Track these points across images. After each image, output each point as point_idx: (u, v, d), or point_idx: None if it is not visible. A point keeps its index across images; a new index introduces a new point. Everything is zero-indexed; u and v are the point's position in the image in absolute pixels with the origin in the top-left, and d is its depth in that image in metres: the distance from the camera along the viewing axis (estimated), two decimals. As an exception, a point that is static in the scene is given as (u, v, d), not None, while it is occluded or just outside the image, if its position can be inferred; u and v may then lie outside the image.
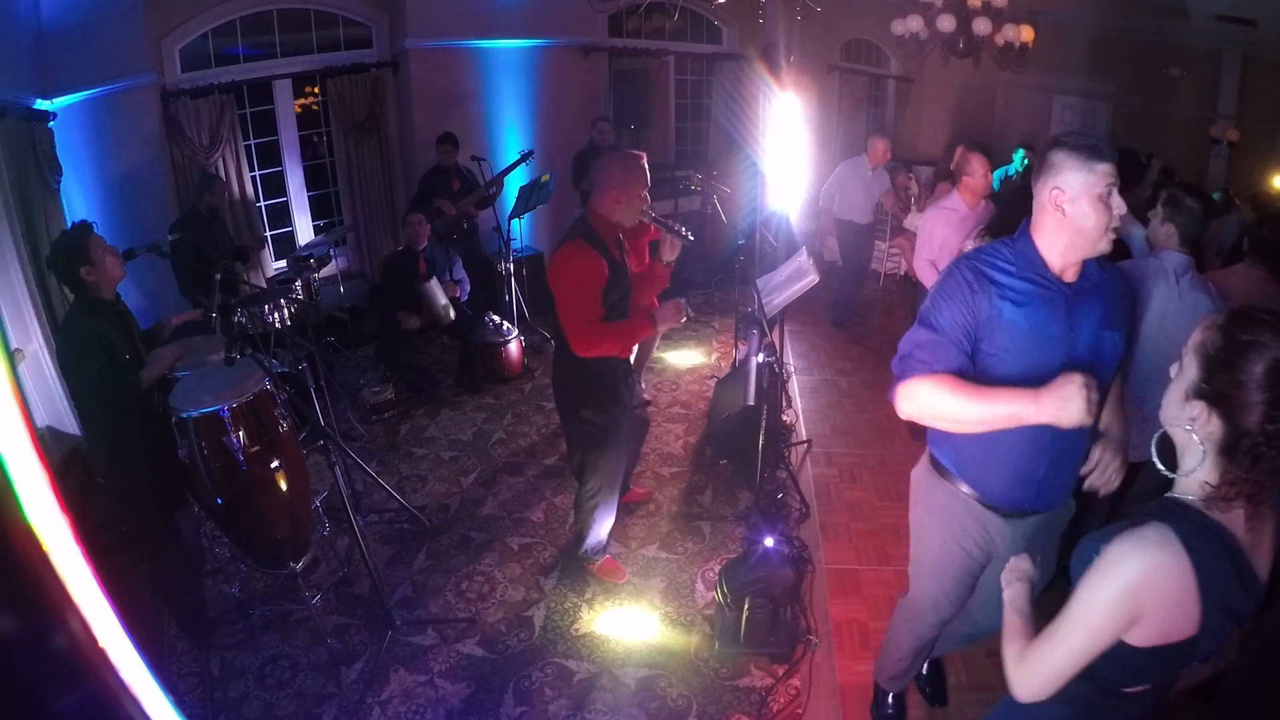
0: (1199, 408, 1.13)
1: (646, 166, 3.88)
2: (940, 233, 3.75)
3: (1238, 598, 1.15)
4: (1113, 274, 1.78)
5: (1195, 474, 1.16)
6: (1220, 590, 1.13)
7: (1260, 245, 2.63)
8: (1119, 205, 1.59)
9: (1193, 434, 1.15)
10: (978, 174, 3.75)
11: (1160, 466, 1.20)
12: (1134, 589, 1.12)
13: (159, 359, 2.66)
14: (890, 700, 2.48)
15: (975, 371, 1.69)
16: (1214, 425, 1.12)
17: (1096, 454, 1.79)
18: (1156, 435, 1.22)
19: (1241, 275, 2.64)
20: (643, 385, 4.75)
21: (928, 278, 3.77)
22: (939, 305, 1.70)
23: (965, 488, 1.86)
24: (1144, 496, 2.63)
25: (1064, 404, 1.43)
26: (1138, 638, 1.15)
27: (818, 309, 6.04)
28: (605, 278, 2.62)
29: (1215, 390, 1.11)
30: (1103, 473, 1.78)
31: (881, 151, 5.63)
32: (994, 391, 1.58)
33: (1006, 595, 1.40)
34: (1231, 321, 1.12)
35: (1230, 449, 1.11)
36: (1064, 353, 1.68)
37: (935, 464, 1.93)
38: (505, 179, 5.58)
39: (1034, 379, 1.61)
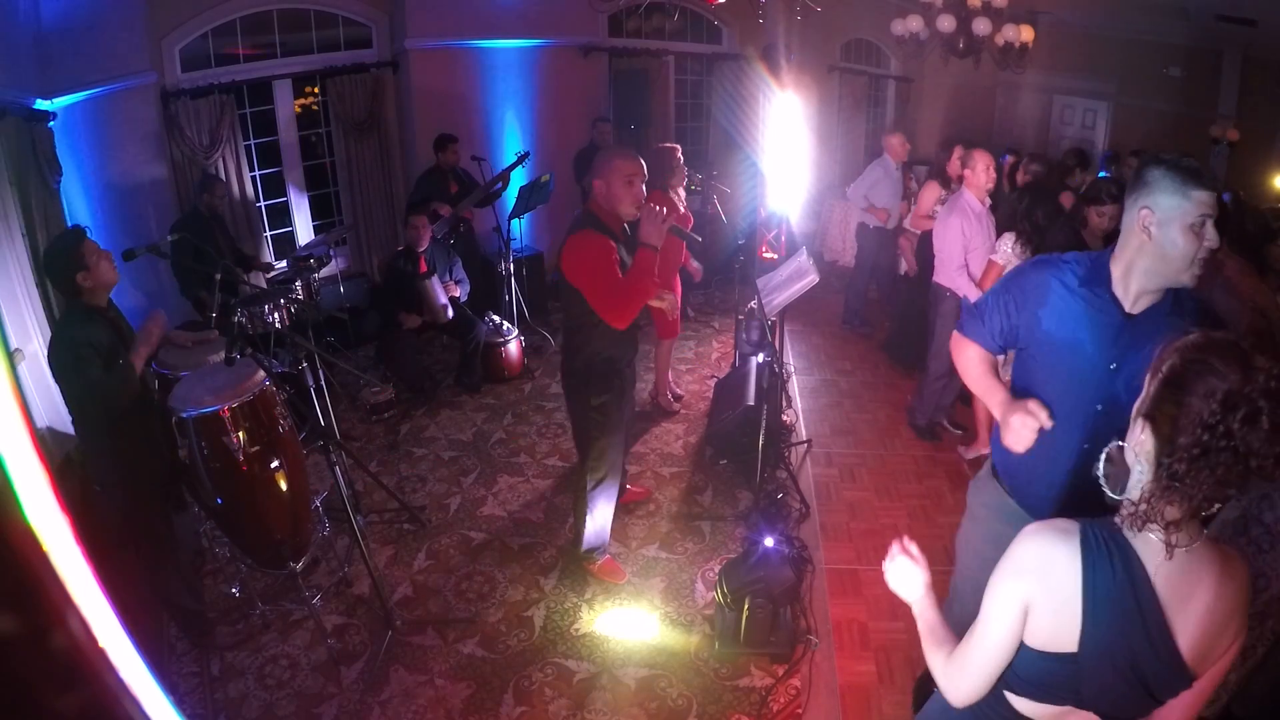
0: (1139, 424, 1.13)
1: (676, 159, 3.85)
2: (965, 233, 3.74)
3: (1139, 644, 1.11)
4: (1195, 313, 1.62)
5: (1130, 493, 1.14)
6: (1110, 612, 1.10)
7: (1240, 237, 2.68)
8: (1212, 238, 1.48)
9: (1132, 451, 1.14)
10: (978, 169, 3.75)
11: (1103, 483, 1.17)
12: (1023, 568, 1.16)
13: (146, 335, 2.59)
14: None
15: (1021, 359, 1.82)
16: (1148, 443, 1.11)
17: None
18: (1104, 451, 1.19)
19: (1229, 266, 2.68)
20: (674, 384, 4.77)
21: (965, 288, 3.75)
22: (991, 293, 1.86)
23: (1002, 483, 1.91)
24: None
25: (1003, 426, 1.64)
26: (1030, 634, 1.17)
27: (819, 309, 6.04)
28: (616, 254, 2.65)
29: (1155, 408, 1.10)
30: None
31: (899, 146, 5.50)
32: (992, 382, 1.83)
33: (915, 609, 1.38)
34: (1189, 344, 1.10)
35: (1156, 467, 1.09)
36: (1099, 381, 1.63)
37: (992, 463, 1.99)
38: (506, 177, 5.56)
39: (1063, 395, 1.66)
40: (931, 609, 1.36)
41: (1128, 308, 1.60)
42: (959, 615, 2.16)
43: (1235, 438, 1.02)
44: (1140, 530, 1.11)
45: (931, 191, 4.92)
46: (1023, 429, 1.59)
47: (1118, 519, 1.15)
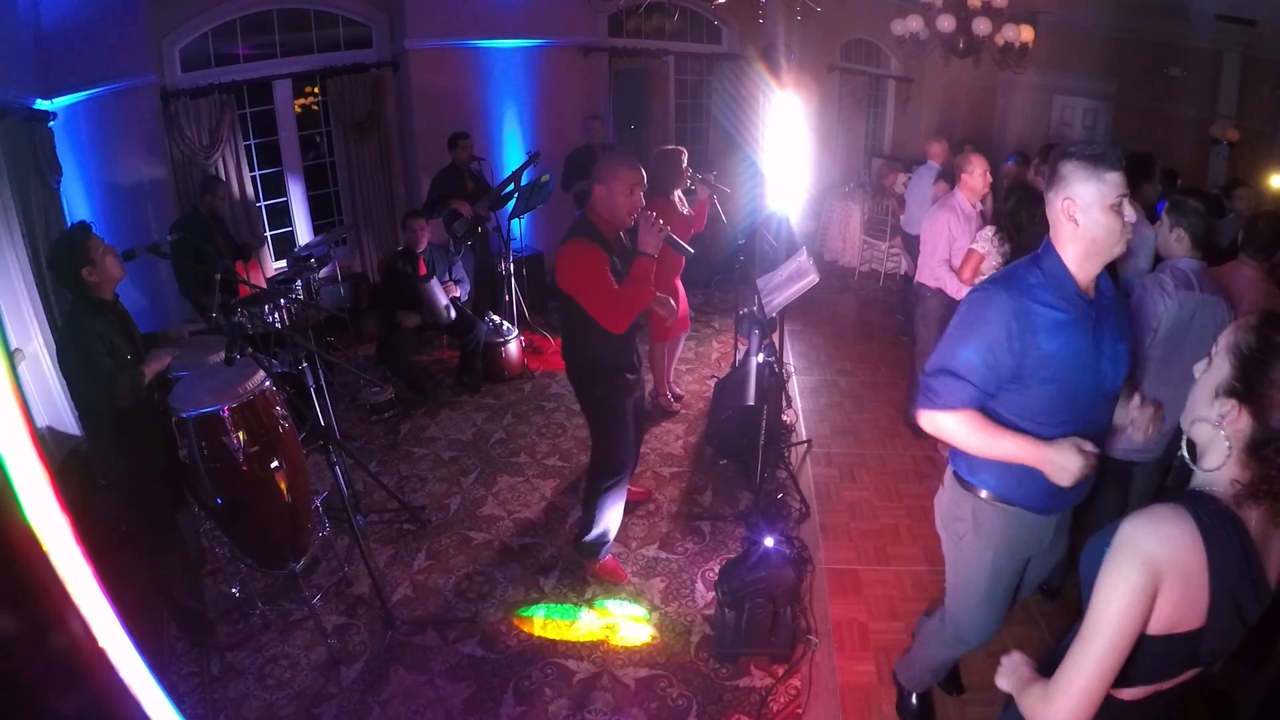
0: (1229, 405, 1.15)
1: (681, 164, 3.77)
2: (952, 230, 3.78)
3: (1246, 596, 1.16)
4: (1117, 288, 1.82)
5: (1221, 470, 1.18)
6: (1230, 580, 1.14)
7: (1254, 239, 2.66)
8: (1130, 214, 1.61)
9: (1220, 430, 1.17)
10: (976, 173, 3.79)
11: (1188, 459, 1.22)
12: (1152, 559, 1.12)
13: (160, 357, 2.67)
14: (915, 700, 2.49)
15: (1012, 395, 1.71)
16: (1243, 423, 1.14)
17: (1137, 409, 1.81)
18: (1189, 428, 1.24)
19: (1238, 272, 2.66)
20: (674, 384, 4.76)
21: (947, 281, 3.77)
22: (968, 343, 1.69)
23: (1014, 506, 1.85)
24: (1144, 498, 2.65)
25: (1063, 470, 1.62)
26: (1153, 622, 1.16)
27: (819, 309, 6.04)
28: (608, 263, 2.66)
29: (1247, 389, 1.13)
30: (1142, 426, 1.79)
31: (941, 151, 5.47)
32: (1005, 435, 1.69)
33: (1008, 684, 1.38)
34: (1266, 323, 1.14)
35: (1258, 447, 1.13)
36: (1091, 372, 1.70)
37: (970, 488, 1.90)
38: (519, 177, 5.52)
39: (1066, 402, 1.70)
40: (1033, 680, 1.33)
41: (1089, 296, 1.71)
42: (971, 621, 2.14)
43: None
44: (1255, 507, 1.14)
45: (941, 193, 4.91)
46: (1077, 469, 1.60)
47: (1217, 494, 1.17)
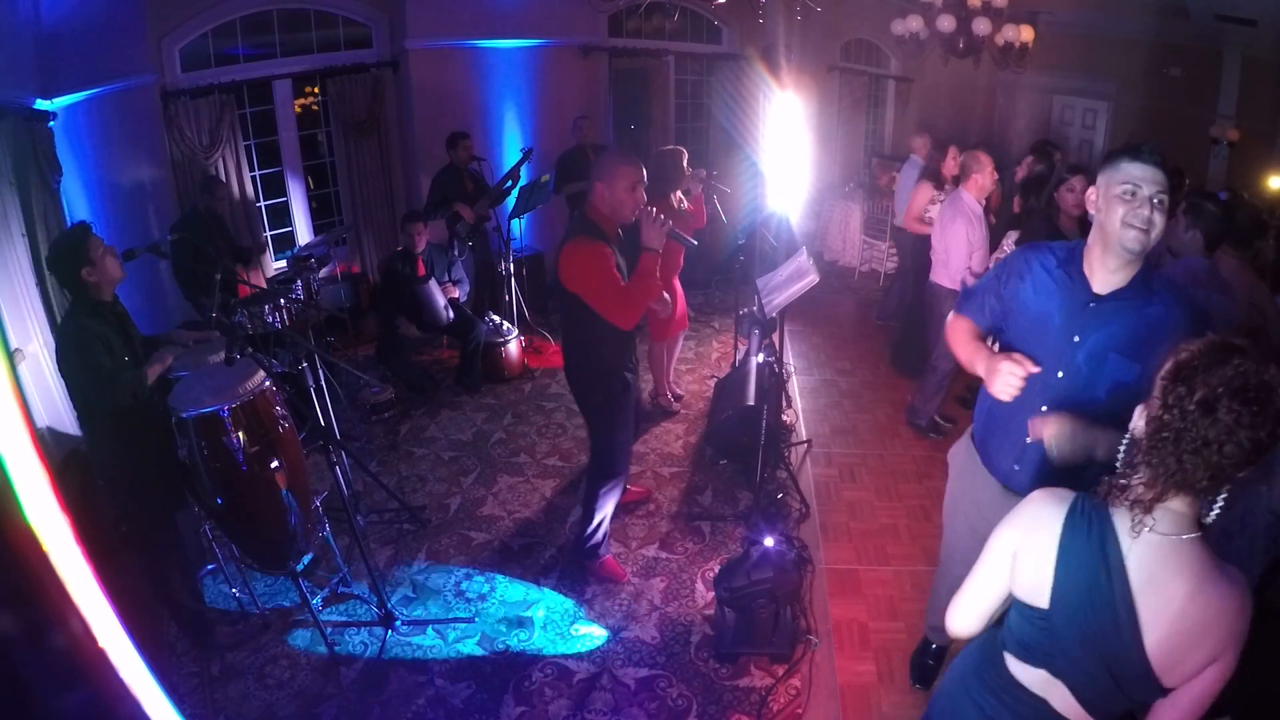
0: (1138, 410, 1.18)
1: (681, 164, 3.78)
2: (970, 238, 3.83)
3: (1105, 620, 1.14)
4: (1169, 303, 1.68)
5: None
6: (1079, 577, 1.16)
7: (1232, 231, 2.74)
8: (1142, 205, 1.59)
9: (1131, 435, 1.20)
10: (985, 171, 3.83)
11: (1120, 457, 1.23)
12: (1017, 521, 1.28)
13: (162, 358, 2.67)
14: (933, 649, 2.59)
15: (1005, 335, 1.95)
16: (1139, 426, 1.16)
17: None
18: (1128, 434, 1.25)
19: (1223, 263, 2.74)
20: (674, 384, 4.76)
21: None
22: (985, 277, 2.03)
23: (976, 449, 2.06)
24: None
25: (990, 374, 1.71)
26: (1015, 582, 1.27)
27: (819, 309, 6.03)
28: (613, 259, 2.68)
29: (1158, 394, 1.13)
30: (1037, 433, 1.73)
31: (923, 145, 5.60)
32: (978, 345, 1.92)
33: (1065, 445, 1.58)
34: (1201, 341, 1.12)
35: (1130, 446, 1.17)
36: (1061, 351, 1.74)
37: (971, 431, 2.14)
38: (516, 175, 5.53)
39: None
40: None
41: (1096, 288, 1.73)
42: (951, 582, 2.24)
43: (1188, 420, 1.05)
44: (1107, 500, 1.18)
45: (924, 193, 4.89)
46: (1010, 375, 1.67)
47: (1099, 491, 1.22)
